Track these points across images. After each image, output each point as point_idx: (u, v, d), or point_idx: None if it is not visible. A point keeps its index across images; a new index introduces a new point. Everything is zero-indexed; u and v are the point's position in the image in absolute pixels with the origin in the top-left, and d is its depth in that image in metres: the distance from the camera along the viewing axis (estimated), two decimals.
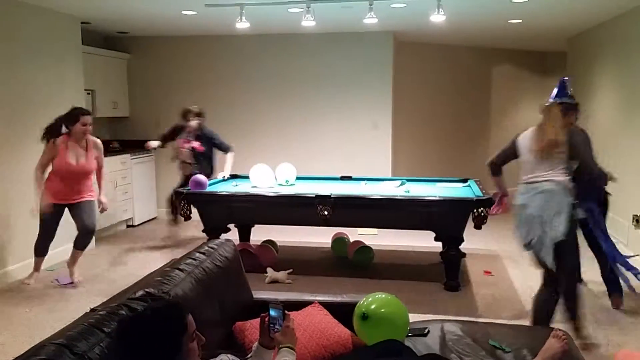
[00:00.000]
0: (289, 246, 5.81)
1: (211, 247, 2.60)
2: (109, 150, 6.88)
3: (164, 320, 1.82)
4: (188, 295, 2.16)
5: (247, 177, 5.35)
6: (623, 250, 5.44)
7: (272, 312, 2.00)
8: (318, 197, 4.57)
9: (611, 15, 5.79)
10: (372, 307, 2.48)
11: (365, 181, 5.53)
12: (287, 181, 5.29)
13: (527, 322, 3.61)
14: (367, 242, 5.39)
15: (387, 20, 5.90)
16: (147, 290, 2.04)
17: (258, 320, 2.44)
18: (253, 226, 5.79)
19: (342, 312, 2.55)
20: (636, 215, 5.05)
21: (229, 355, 1.87)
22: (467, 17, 5.89)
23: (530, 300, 4.33)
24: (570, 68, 7.87)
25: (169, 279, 2.17)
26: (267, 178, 5.18)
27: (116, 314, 1.86)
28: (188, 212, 4.86)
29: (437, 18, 4.91)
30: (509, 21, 6.16)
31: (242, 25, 5.20)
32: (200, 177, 4.87)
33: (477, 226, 4.39)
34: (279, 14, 5.66)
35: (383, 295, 2.58)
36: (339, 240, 5.61)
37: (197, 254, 2.48)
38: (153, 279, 2.17)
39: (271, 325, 1.99)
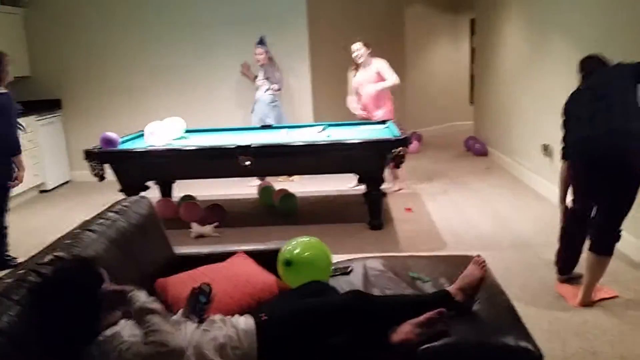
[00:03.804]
0: (214, 200, 5.72)
1: (124, 206, 2.50)
2: None
3: (76, 276, 1.78)
4: (102, 256, 2.07)
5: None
6: (531, 176, 5.75)
7: (202, 299, 1.98)
8: (239, 147, 4.48)
9: None
10: (295, 252, 2.50)
11: (287, 129, 5.48)
12: (182, 137, 5.09)
13: (444, 253, 3.78)
14: (292, 190, 5.40)
15: None
16: (55, 254, 1.94)
17: (180, 275, 2.42)
18: (174, 182, 5.64)
19: (268, 260, 2.56)
20: (545, 145, 5.32)
21: (128, 321, 1.83)
22: None
23: (448, 232, 4.55)
24: (478, 4, 8.03)
25: (78, 241, 2.07)
26: (161, 134, 4.89)
27: (25, 281, 1.77)
28: (101, 173, 4.64)
29: None
30: None
31: None
32: (111, 134, 4.61)
33: (397, 165, 4.49)
34: None
35: (305, 239, 2.61)
36: (265, 190, 5.59)
37: (110, 214, 2.38)
38: (62, 242, 2.07)
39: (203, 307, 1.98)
